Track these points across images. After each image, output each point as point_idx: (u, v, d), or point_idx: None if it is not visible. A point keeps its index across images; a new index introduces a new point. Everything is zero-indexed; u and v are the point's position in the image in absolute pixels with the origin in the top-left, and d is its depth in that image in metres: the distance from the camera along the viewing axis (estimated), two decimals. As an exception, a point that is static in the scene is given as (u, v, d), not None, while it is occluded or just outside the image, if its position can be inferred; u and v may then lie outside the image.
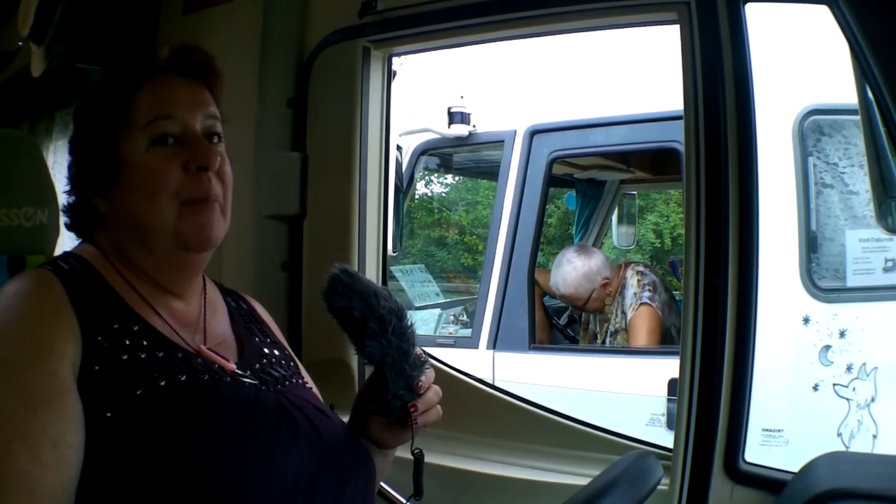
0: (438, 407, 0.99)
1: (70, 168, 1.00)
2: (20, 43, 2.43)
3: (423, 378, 0.94)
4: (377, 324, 0.91)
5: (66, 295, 0.86)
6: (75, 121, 1.00)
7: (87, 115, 0.98)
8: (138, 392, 0.84)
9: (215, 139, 0.98)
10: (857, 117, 1.40)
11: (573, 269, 3.23)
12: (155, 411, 0.83)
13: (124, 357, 0.86)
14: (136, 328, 0.90)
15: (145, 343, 0.89)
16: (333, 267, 0.92)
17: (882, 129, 1.25)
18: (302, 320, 1.74)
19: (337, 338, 1.74)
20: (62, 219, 1.02)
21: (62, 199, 1.01)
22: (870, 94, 1.19)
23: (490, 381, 2.63)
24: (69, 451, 0.78)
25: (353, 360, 1.72)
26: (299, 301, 1.75)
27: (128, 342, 0.87)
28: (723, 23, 1.29)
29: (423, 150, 3.49)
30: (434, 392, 0.97)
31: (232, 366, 0.96)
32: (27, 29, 2.07)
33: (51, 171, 1.18)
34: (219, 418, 0.87)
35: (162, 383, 0.86)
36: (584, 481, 1.09)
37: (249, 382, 0.96)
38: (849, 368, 2.21)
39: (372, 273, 1.75)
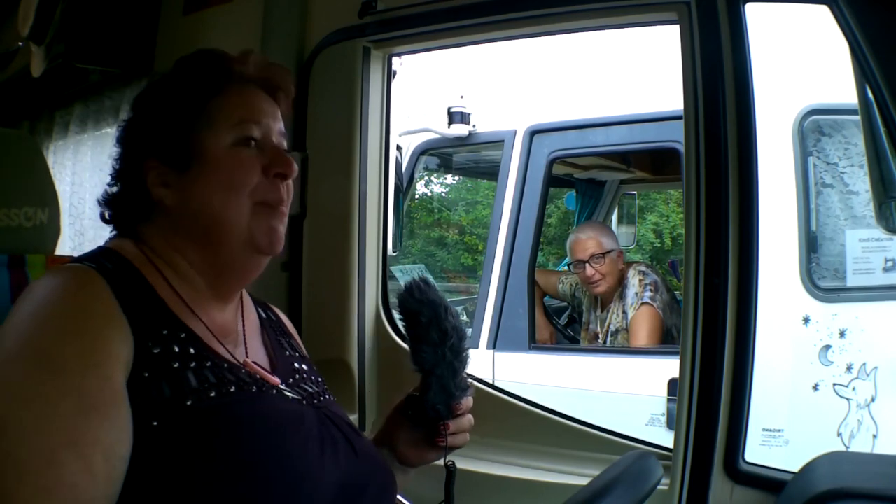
0: (467, 434, 1.02)
1: (122, 157, 0.97)
2: (20, 43, 2.43)
3: (462, 402, 0.99)
4: (439, 335, 0.97)
5: (112, 295, 0.81)
6: (139, 108, 0.98)
7: (160, 103, 0.96)
8: (188, 403, 0.80)
9: None
10: (857, 117, 1.39)
11: (593, 236, 3.18)
12: (205, 423, 0.80)
13: (175, 365, 0.82)
14: (183, 335, 0.86)
15: (192, 351, 0.85)
16: (415, 274, 0.96)
17: (882, 129, 1.25)
18: (302, 320, 1.74)
19: (337, 338, 1.76)
20: (100, 211, 0.98)
21: (100, 190, 0.98)
22: (870, 94, 1.19)
23: (490, 381, 2.63)
24: (119, 463, 0.74)
25: (354, 361, 1.72)
26: (299, 301, 1.75)
27: (177, 349, 0.84)
28: (723, 23, 1.29)
29: (423, 150, 3.49)
30: (468, 420, 1.01)
31: (276, 380, 0.94)
32: (27, 29, 2.07)
33: (51, 171, 1.18)
34: (267, 432, 0.84)
35: (212, 394, 0.83)
36: (584, 481, 1.08)
37: (292, 397, 0.94)
38: (849, 368, 2.20)
39: (372, 273, 1.75)
